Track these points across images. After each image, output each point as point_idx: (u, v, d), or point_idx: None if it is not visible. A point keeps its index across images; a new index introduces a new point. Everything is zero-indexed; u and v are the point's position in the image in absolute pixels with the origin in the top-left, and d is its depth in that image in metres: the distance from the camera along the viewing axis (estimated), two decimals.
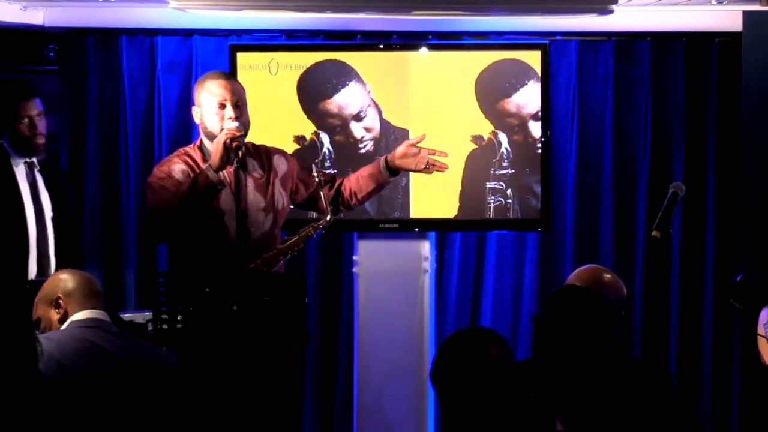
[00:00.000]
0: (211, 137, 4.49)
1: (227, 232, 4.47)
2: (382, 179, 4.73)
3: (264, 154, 4.64)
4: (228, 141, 4.36)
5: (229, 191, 4.47)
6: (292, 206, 4.75)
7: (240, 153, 4.39)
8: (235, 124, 4.43)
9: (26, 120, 4.99)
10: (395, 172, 4.75)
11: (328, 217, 4.53)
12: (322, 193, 4.52)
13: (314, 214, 4.90)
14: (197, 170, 4.47)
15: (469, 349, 2.80)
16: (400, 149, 4.73)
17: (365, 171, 4.76)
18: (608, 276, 3.76)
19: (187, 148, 4.62)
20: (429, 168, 4.75)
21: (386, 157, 4.74)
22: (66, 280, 3.61)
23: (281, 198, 4.62)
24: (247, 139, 4.53)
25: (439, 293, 5.85)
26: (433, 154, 4.74)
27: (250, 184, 4.53)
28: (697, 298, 5.95)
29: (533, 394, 3.02)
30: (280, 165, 4.65)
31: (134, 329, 4.62)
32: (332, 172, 5.04)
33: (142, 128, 5.98)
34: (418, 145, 4.74)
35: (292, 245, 4.53)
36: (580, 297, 3.44)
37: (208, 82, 4.55)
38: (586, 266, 3.90)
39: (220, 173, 4.38)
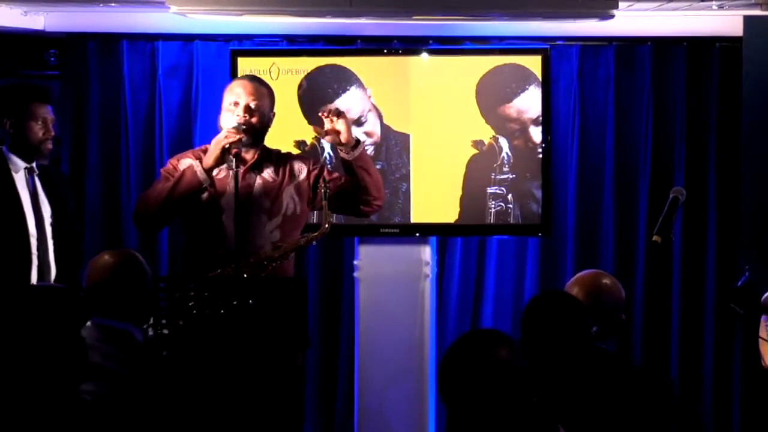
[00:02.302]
0: None
1: (224, 230, 4.49)
2: (346, 160, 4.60)
3: (284, 161, 4.65)
4: (227, 144, 4.39)
5: (231, 191, 4.47)
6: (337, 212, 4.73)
7: (233, 151, 4.39)
8: (234, 123, 4.46)
9: (41, 122, 4.97)
10: (344, 147, 4.61)
11: (326, 225, 4.47)
12: (325, 205, 4.48)
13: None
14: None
15: (478, 350, 2.81)
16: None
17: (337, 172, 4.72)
18: (607, 281, 3.76)
19: (207, 146, 4.63)
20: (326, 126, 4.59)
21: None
22: None
23: (293, 204, 4.59)
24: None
25: (439, 298, 5.85)
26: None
27: (258, 187, 4.53)
28: (698, 302, 5.94)
29: (536, 399, 3.02)
30: (300, 173, 4.64)
31: None
32: (339, 182, 4.86)
33: (143, 133, 5.98)
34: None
35: (281, 253, 4.49)
36: (558, 303, 3.44)
37: (233, 83, 4.67)
38: (586, 271, 3.90)
39: (213, 172, 4.46)
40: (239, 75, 5.39)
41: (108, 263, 3.56)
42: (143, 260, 3.64)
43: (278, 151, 4.69)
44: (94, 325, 3.49)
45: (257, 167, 4.56)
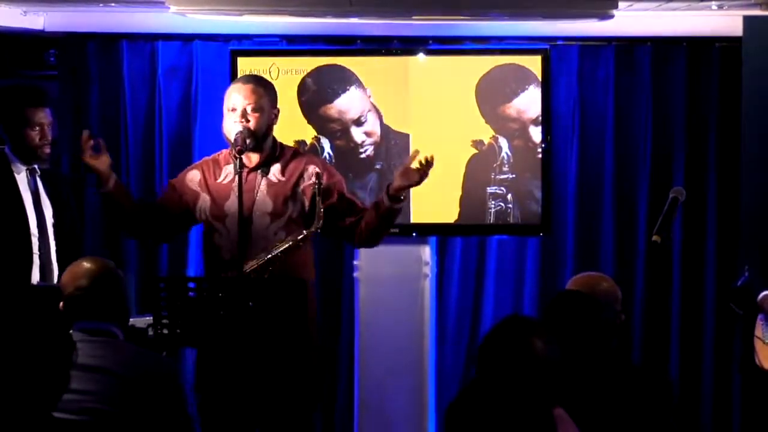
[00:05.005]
0: (226, 139, 4.50)
1: (228, 235, 4.45)
2: (382, 206, 4.41)
3: (297, 161, 4.53)
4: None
5: (236, 195, 4.45)
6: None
7: (238, 148, 4.35)
8: (239, 128, 4.42)
9: (37, 128, 4.94)
10: (396, 198, 4.41)
11: (315, 226, 4.38)
12: (318, 200, 4.36)
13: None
14: (209, 177, 4.49)
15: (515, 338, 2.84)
16: (399, 169, 4.47)
17: (371, 204, 4.53)
18: (605, 284, 3.75)
19: (217, 153, 4.60)
20: (423, 172, 4.42)
21: (388, 185, 4.46)
22: None
23: (300, 205, 4.48)
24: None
25: (439, 298, 5.85)
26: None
27: (263, 188, 4.47)
28: (697, 303, 5.94)
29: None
30: (311, 176, 4.47)
31: (135, 334, 4.61)
32: (333, 181, 4.67)
33: (142, 133, 5.98)
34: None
35: (276, 253, 4.44)
36: (580, 302, 3.44)
37: (231, 85, 4.57)
38: (583, 274, 3.89)
39: (220, 177, 4.46)
40: (239, 75, 5.38)
41: (88, 269, 3.57)
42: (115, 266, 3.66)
43: (294, 150, 4.58)
44: (77, 329, 3.50)
45: (263, 168, 4.47)
